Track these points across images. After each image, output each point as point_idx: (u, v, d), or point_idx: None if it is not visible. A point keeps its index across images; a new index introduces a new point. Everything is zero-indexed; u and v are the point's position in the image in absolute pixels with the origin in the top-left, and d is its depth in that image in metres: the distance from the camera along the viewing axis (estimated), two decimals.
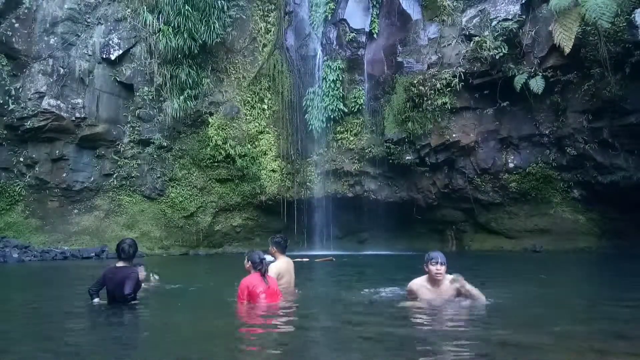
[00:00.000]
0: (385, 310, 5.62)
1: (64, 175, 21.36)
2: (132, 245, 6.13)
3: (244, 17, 22.06)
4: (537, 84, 16.52)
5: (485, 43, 17.37)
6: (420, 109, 18.68)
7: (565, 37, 15.27)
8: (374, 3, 20.54)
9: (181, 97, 20.83)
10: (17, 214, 21.11)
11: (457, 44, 18.63)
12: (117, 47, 21.51)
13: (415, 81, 18.70)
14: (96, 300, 5.99)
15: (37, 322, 5.62)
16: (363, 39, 20.57)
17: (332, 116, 20.75)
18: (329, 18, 21.31)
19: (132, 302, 5.89)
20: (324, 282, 10.67)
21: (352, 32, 20.62)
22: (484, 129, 18.81)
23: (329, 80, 20.68)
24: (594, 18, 14.27)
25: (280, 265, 7.06)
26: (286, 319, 5.41)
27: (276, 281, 6.39)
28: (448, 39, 18.97)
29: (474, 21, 18.33)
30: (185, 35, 20.15)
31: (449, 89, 18.25)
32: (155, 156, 22.00)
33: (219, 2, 20.57)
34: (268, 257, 6.76)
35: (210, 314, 5.92)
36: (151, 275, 8.57)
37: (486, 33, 17.57)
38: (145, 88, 21.56)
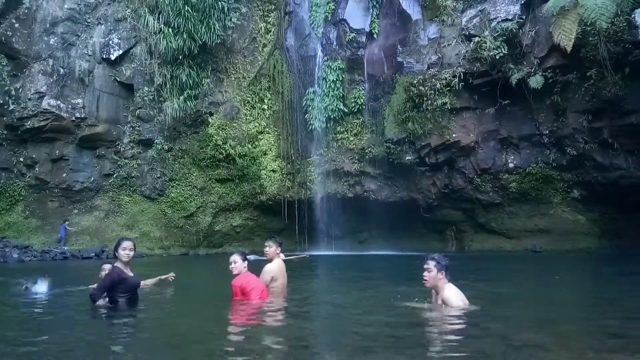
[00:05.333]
0: (383, 311, 5.61)
1: (64, 175, 21.36)
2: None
3: (244, 18, 22.06)
4: (536, 81, 16.52)
5: (485, 43, 17.37)
6: (420, 109, 18.68)
7: (565, 37, 15.26)
8: (374, 3, 20.54)
9: (181, 97, 20.85)
10: (17, 214, 21.11)
11: (457, 44, 18.63)
12: (117, 47, 21.52)
13: (415, 81, 18.70)
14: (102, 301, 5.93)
15: (23, 323, 5.62)
16: (363, 39, 20.58)
17: (332, 116, 20.76)
18: (329, 18, 21.31)
19: (105, 302, 5.82)
20: (323, 283, 10.67)
21: (352, 32, 20.63)
22: (484, 129, 18.81)
23: (329, 80, 20.69)
24: (592, 18, 14.26)
25: (276, 268, 7.01)
26: (283, 319, 5.41)
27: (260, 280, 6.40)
28: (448, 39, 18.97)
29: (474, 21, 18.33)
30: (185, 36, 20.17)
31: (449, 89, 18.25)
32: (155, 156, 22.02)
33: (219, 3, 20.57)
34: (251, 257, 6.70)
35: (205, 315, 5.91)
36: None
37: (486, 33, 17.57)
38: (145, 88, 21.57)
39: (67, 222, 21.19)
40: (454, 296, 5.20)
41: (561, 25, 15.36)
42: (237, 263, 6.16)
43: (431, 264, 5.17)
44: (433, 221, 21.42)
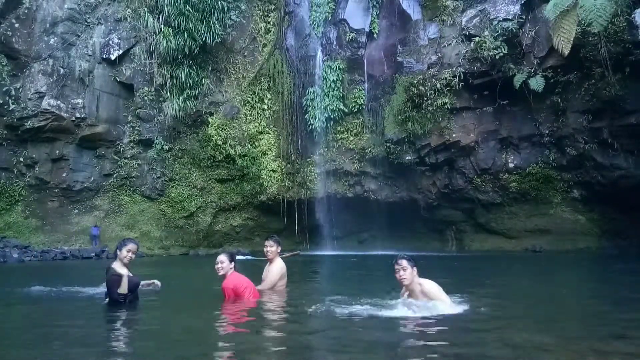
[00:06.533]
0: (381, 312, 5.60)
1: (64, 175, 21.36)
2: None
3: (244, 17, 22.07)
4: (537, 83, 16.53)
5: (485, 43, 17.37)
6: (420, 109, 18.69)
7: (564, 39, 15.24)
8: (374, 3, 20.54)
9: (181, 97, 20.86)
10: (17, 214, 21.10)
11: (457, 44, 18.63)
12: (117, 47, 21.52)
13: (415, 81, 18.70)
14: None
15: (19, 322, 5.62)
16: (363, 39, 20.58)
17: (332, 116, 20.77)
18: (329, 18, 21.32)
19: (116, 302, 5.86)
20: (323, 283, 10.66)
21: (352, 32, 20.63)
22: (484, 129, 18.82)
23: (329, 80, 20.69)
24: (590, 19, 14.24)
25: (284, 267, 7.11)
26: (283, 318, 5.41)
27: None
28: (448, 39, 18.97)
29: (474, 21, 18.33)
30: (185, 36, 20.17)
31: (449, 89, 18.26)
32: (155, 156, 22.02)
33: (219, 2, 20.57)
34: (241, 257, 6.70)
35: (205, 315, 5.91)
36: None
37: (486, 33, 17.57)
38: (145, 88, 21.57)
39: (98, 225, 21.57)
40: (435, 288, 5.24)
41: (560, 27, 15.33)
42: (224, 264, 6.08)
43: (405, 262, 5.19)
44: (433, 221, 21.42)
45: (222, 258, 6.14)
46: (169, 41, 20.10)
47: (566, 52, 15.18)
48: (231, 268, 6.11)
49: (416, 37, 19.65)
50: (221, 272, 6.10)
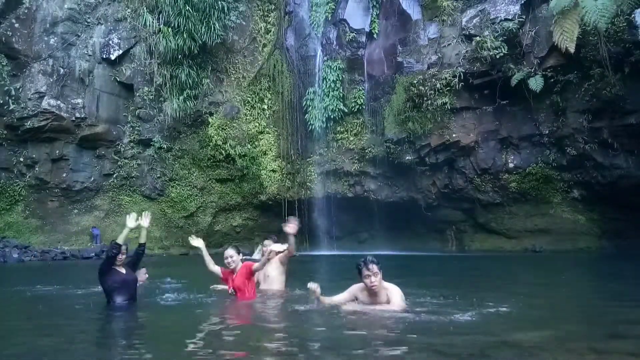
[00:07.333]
0: (379, 313, 5.61)
1: (64, 175, 21.37)
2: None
3: (244, 18, 22.07)
4: (536, 83, 16.52)
5: (485, 43, 17.36)
6: (420, 109, 18.69)
7: (567, 38, 15.23)
8: (374, 3, 20.54)
9: (181, 97, 20.86)
10: (17, 214, 21.11)
11: (457, 44, 18.63)
12: (117, 47, 21.52)
13: (415, 81, 18.70)
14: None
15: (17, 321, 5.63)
16: (363, 39, 20.58)
17: (332, 116, 20.76)
18: (329, 18, 21.32)
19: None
20: (323, 283, 10.66)
21: (352, 32, 20.63)
22: (484, 129, 18.81)
23: (329, 80, 20.69)
24: (594, 21, 14.23)
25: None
26: (281, 318, 5.42)
27: None
28: (448, 39, 18.98)
29: (474, 21, 18.33)
30: (185, 36, 20.18)
31: (449, 88, 18.25)
32: (155, 156, 22.02)
33: (219, 2, 20.57)
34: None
35: (204, 315, 5.91)
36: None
37: (486, 33, 17.57)
38: (145, 88, 21.58)
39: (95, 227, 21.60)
40: (399, 296, 5.10)
41: (562, 26, 15.32)
42: (234, 257, 6.23)
43: (376, 268, 4.91)
44: (433, 221, 21.41)
45: (231, 252, 6.30)
46: (169, 41, 20.11)
47: (571, 50, 15.15)
48: (240, 260, 6.25)
49: (416, 37, 19.66)
50: (233, 266, 6.22)
